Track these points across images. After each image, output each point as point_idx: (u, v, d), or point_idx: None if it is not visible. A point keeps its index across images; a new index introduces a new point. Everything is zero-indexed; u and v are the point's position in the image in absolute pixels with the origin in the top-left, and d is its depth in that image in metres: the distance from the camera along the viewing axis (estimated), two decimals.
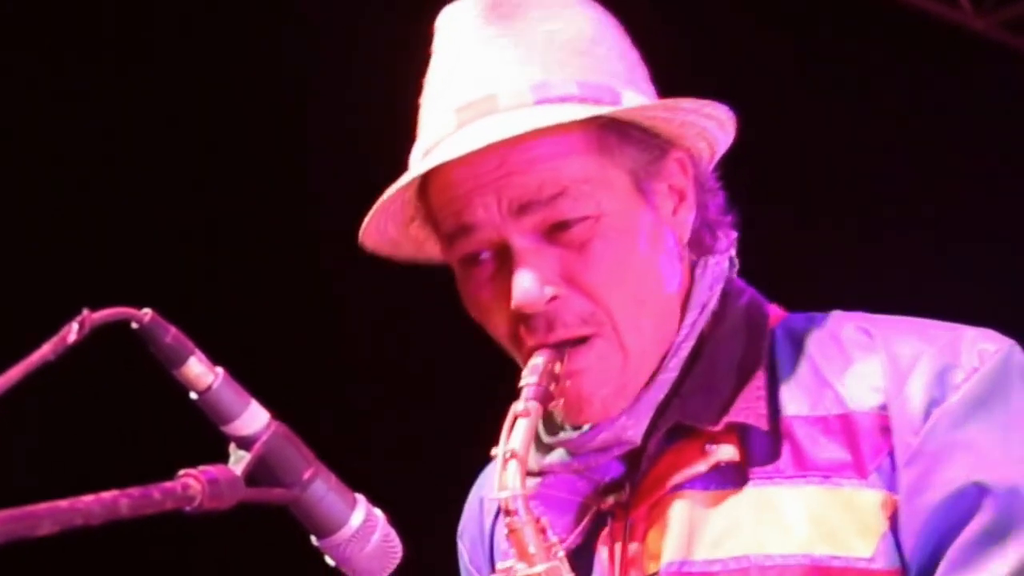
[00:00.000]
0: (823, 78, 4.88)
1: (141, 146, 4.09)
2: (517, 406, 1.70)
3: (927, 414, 1.71)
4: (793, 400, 1.78)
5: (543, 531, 1.69)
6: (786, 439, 1.75)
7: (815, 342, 1.81)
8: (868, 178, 4.97)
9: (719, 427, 1.76)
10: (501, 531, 1.81)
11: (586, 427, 1.80)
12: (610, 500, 1.80)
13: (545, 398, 1.70)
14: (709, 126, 1.80)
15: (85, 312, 1.47)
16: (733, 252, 1.86)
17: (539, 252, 1.72)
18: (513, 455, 1.68)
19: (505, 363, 1.80)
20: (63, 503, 1.35)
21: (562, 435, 1.81)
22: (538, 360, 1.71)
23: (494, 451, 1.70)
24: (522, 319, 1.73)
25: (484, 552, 1.97)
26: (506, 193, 1.71)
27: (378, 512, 1.60)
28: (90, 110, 3.99)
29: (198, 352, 1.53)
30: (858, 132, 4.93)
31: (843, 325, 1.82)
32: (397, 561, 1.61)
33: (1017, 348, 1.75)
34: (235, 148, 4.13)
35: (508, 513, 1.68)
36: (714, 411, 1.77)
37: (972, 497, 1.69)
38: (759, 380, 1.78)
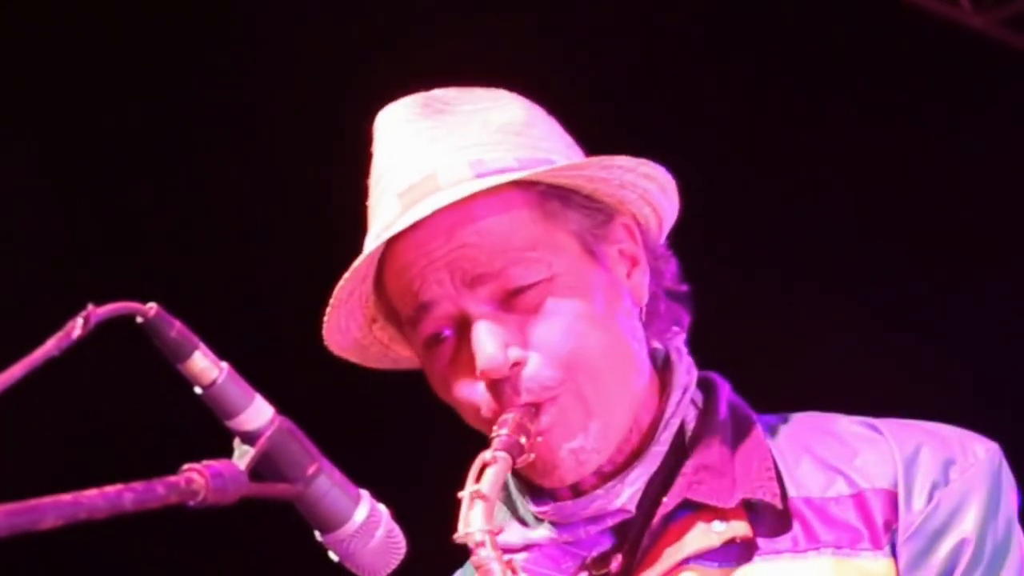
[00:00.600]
0: (818, 75, 4.90)
1: (148, 139, 4.10)
2: (485, 455, 1.70)
3: (930, 497, 1.78)
4: (799, 484, 1.82)
5: (513, 570, 1.68)
6: (795, 517, 1.79)
7: (808, 437, 1.88)
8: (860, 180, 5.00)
9: (732, 504, 1.77)
10: None
11: (580, 498, 1.81)
12: (600, 573, 1.81)
13: (516, 450, 1.71)
14: (651, 188, 1.83)
15: (89, 307, 1.47)
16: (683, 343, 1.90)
17: (497, 318, 1.75)
18: (480, 495, 1.67)
19: None
20: (66, 497, 1.35)
21: (552, 505, 1.82)
22: (508, 416, 1.73)
23: (460, 493, 1.69)
24: (489, 387, 1.75)
25: None
26: (458, 266, 1.75)
27: (382, 508, 1.61)
28: (92, 103, 4.00)
29: (203, 346, 1.54)
30: (851, 131, 4.95)
31: (834, 422, 1.89)
32: (401, 557, 1.61)
33: (1000, 452, 1.85)
34: (241, 142, 4.15)
35: (475, 549, 1.67)
36: (726, 489, 1.79)
37: (959, 551, 1.79)
38: (768, 461, 1.82)
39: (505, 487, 1.82)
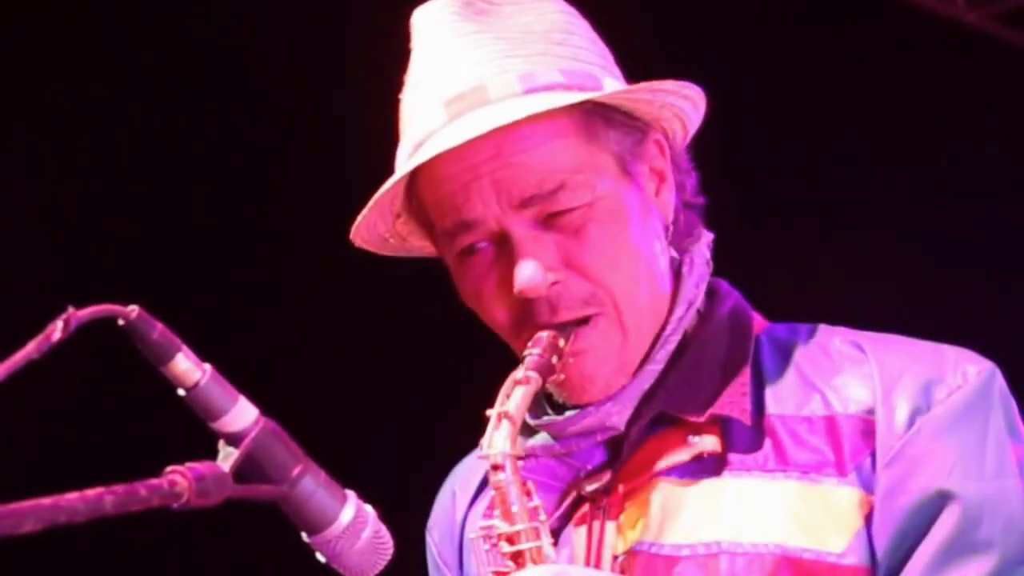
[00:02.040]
0: (810, 73, 4.90)
1: (133, 141, 4.10)
2: (517, 373, 1.73)
3: (911, 422, 1.77)
4: (777, 400, 1.82)
5: (528, 493, 1.71)
6: (768, 435, 1.80)
7: (801, 350, 1.87)
8: (854, 174, 5.00)
9: (703, 419, 1.79)
10: (472, 529, 1.86)
11: (569, 413, 1.82)
12: (591, 486, 1.82)
13: (546, 370, 1.74)
14: (685, 107, 1.85)
15: (70, 309, 1.46)
16: (709, 254, 1.91)
17: (538, 239, 1.75)
18: (507, 416, 1.70)
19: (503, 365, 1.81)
20: (46, 500, 1.34)
21: (546, 418, 1.84)
22: (542, 335, 1.75)
23: (489, 411, 1.72)
24: (524, 305, 1.76)
25: (453, 546, 1.99)
26: (504, 186, 1.75)
27: (369, 508, 1.60)
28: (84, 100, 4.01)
29: (185, 348, 1.53)
30: (845, 128, 4.94)
31: (831, 337, 1.88)
32: (388, 557, 1.61)
33: (998, 371, 1.82)
34: (229, 144, 4.14)
35: (496, 469, 1.70)
36: (699, 404, 1.81)
37: (940, 505, 1.74)
38: (744, 377, 1.82)
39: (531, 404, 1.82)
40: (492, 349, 1.86)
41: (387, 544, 1.60)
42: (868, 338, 1.86)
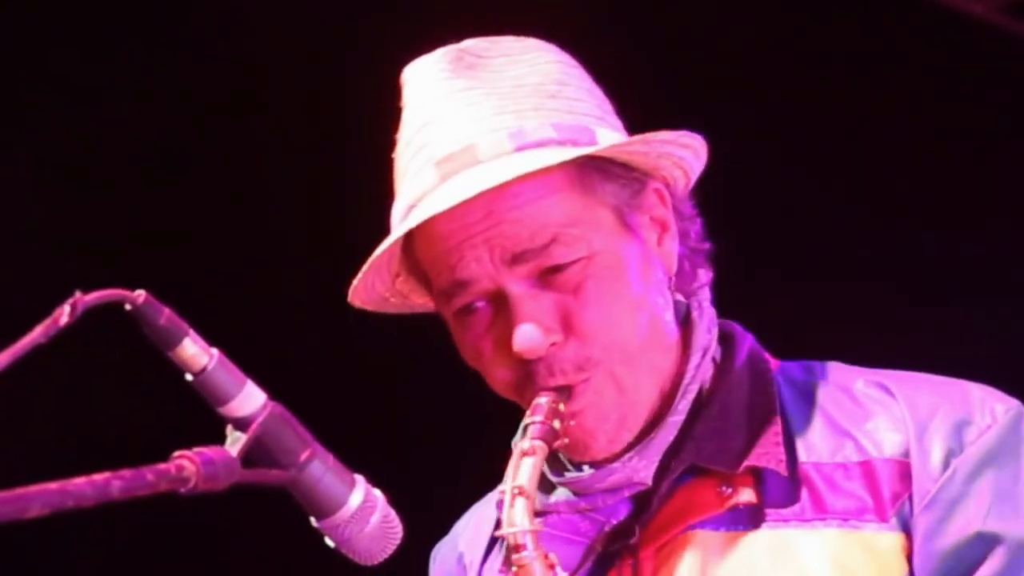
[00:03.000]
0: (816, 66, 4.90)
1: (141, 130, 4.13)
2: (523, 444, 1.72)
3: (946, 464, 1.77)
4: (809, 448, 1.82)
5: (552, 567, 1.70)
6: (804, 484, 1.79)
7: (824, 393, 1.87)
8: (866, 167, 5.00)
9: (738, 471, 1.78)
10: None
11: (588, 470, 1.82)
12: (618, 541, 1.81)
13: (551, 436, 1.73)
14: (685, 155, 1.83)
15: (77, 294, 1.47)
16: (710, 294, 1.91)
17: (536, 298, 1.75)
18: (521, 492, 1.69)
19: None
20: (53, 485, 1.34)
21: (569, 475, 1.84)
22: (541, 400, 1.74)
23: (500, 488, 1.72)
24: (524, 365, 1.76)
25: None
26: (497, 243, 1.74)
27: (378, 493, 1.60)
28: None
29: (192, 333, 1.53)
30: (853, 119, 4.95)
31: (853, 379, 1.88)
32: (397, 542, 1.61)
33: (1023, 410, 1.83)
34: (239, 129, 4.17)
35: (516, 549, 1.68)
36: (731, 455, 1.80)
37: (982, 546, 1.75)
38: (776, 426, 1.82)
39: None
40: None
41: (396, 529, 1.60)
42: (892, 378, 1.87)
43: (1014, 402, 1.83)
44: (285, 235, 4.14)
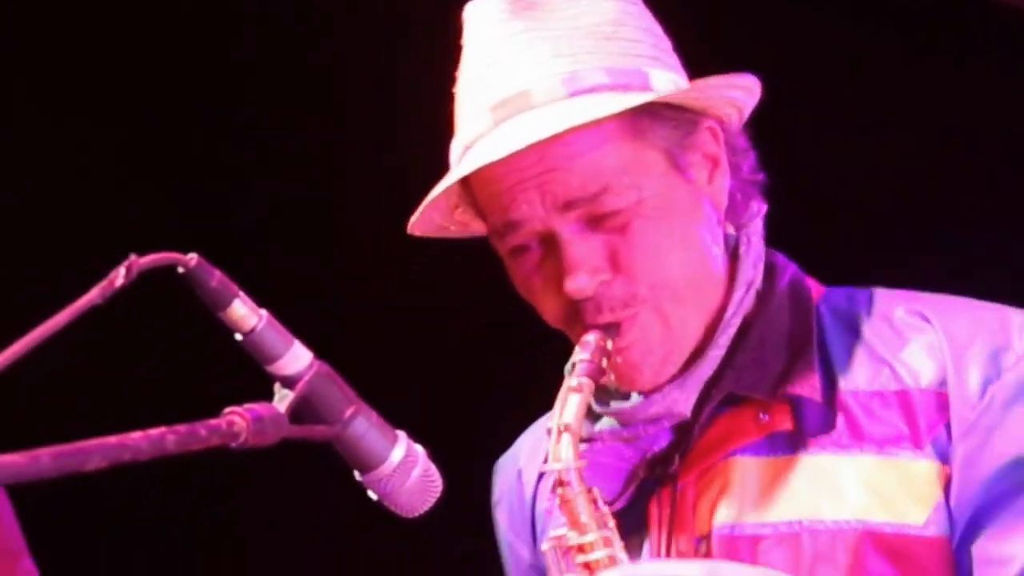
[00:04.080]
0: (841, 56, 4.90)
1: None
2: (571, 382, 1.78)
3: (983, 391, 1.81)
4: (847, 376, 1.86)
5: (595, 502, 1.76)
6: (841, 411, 1.84)
7: (865, 322, 1.91)
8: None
9: (775, 398, 1.84)
10: (544, 501, 1.96)
11: (636, 398, 1.88)
12: (659, 470, 1.88)
13: (597, 374, 1.79)
14: (737, 95, 1.87)
15: (132, 257, 1.53)
16: (762, 226, 1.94)
17: (585, 241, 1.80)
18: (567, 428, 1.76)
19: None
20: (112, 439, 1.40)
21: (614, 405, 1.90)
22: (589, 338, 1.80)
23: (548, 423, 1.78)
24: (573, 303, 1.81)
25: (525, 522, 2.06)
26: (549, 189, 1.79)
27: (419, 448, 1.66)
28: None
29: (242, 295, 1.60)
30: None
31: (894, 306, 1.91)
32: (437, 495, 1.67)
33: None
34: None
35: (561, 484, 1.75)
36: (768, 383, 1.85)
37: (1015, 472, 1.78)
38: (811, 355, 1.86)
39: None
40: None
41: (436, 482, 1.66)
42: (931, 305, 1.90)
43: None
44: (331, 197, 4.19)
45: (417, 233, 1.95)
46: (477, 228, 1.95)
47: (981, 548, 1.78)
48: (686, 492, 1.86)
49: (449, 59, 1.92)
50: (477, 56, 1.87)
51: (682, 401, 1.86)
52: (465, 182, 1.87)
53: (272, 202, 4.25)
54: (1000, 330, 1.84)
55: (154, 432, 1.45)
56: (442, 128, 1.92)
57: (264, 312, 1.60)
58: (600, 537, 1.75)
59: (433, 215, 1.92)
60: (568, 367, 1.82)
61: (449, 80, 1.91)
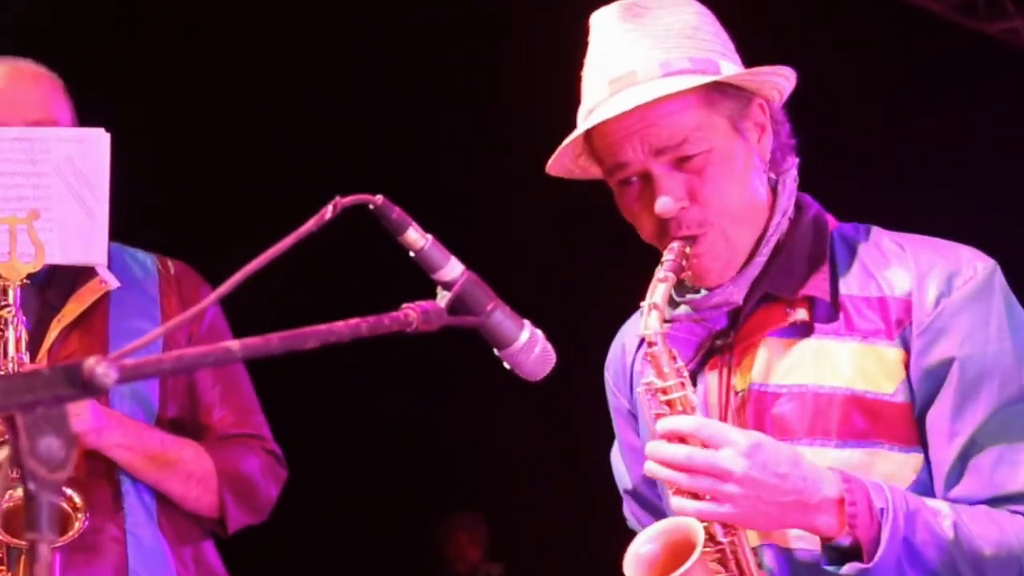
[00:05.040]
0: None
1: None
2: (659, 274, 2.36)
3: (937, 303, 2.35)
4: (847, 285, 2.41)
5: (674, 358, 2.33)
6: (841, 310, 2.39)
7: (863, 247, 2.46)
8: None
9: (796, 297, 2.39)
10: (638, 364, 2.53)
11: (704, 292, 2.44)
12: (719, 342, 2.45)
13: (678, 270, 2.36)
14: (779, 81, 2.43)
15: (337, 198, 2.00)
16: (796, 174, 2.49)
17: (671, 177, 2.38)
18: (655, 306, 2.33)
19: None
20: (322, 326, 1.82)
21: (688, 296, 2.46)
22: (674, 245, 2.38)
23: (641, 303, 2.34)
24: (662, 222, 2.39)
25: (626, 382, 2.66)
26: (646, 140, 2.37)
27: (539, 332, 2.12)
28: None
29: (414, 224, 2.07)
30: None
31: (883, 238, 2.46)
32: (552, 365, 2.13)
33: (999, 267, 2.39)
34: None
35: (650, 345, 2.32)
36: (793, 286, 2.40)
37: (953, 366, 2.32)
38: (824, 268, 2.41)
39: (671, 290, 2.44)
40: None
41: (552, 356, 2.12)
42: (908, 239, 2.45)
43: (991, 260, 2.38)
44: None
45: (552, 173, 2.52)
46: (594, 172, 2.52)
47: (931, 419, 2.32)
48: (735, 360, 2.42)
49: (579, 53, 2.50)
50: (599, 47, 2.45)
51: (735, 294, 2.42)
52: (587, 136, 2.43)
53: (440, 159, 4.71)
54: (954, 260, 2.38)
55: (352, 321, 1.85)
56: (568, 101, 2.50)
57: (429, 236, 2.06)
58: (677, 382, 2.32)
59: (564, 160, 2.49)
60: (659, 266, 2.36)
61: (579, 66, 2.49)
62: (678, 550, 2.25)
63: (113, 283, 3.23)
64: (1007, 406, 2.32)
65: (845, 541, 2.24)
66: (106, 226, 3.17)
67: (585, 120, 2.44)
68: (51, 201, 3.13)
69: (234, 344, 1.76)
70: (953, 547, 2.25)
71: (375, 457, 7.61)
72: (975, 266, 2.41)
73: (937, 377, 2.35)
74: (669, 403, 2.32)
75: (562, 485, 7.56)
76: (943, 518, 2.27)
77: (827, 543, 2.26)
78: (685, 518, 2.28)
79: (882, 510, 2.23)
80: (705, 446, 2.23)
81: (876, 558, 2.21)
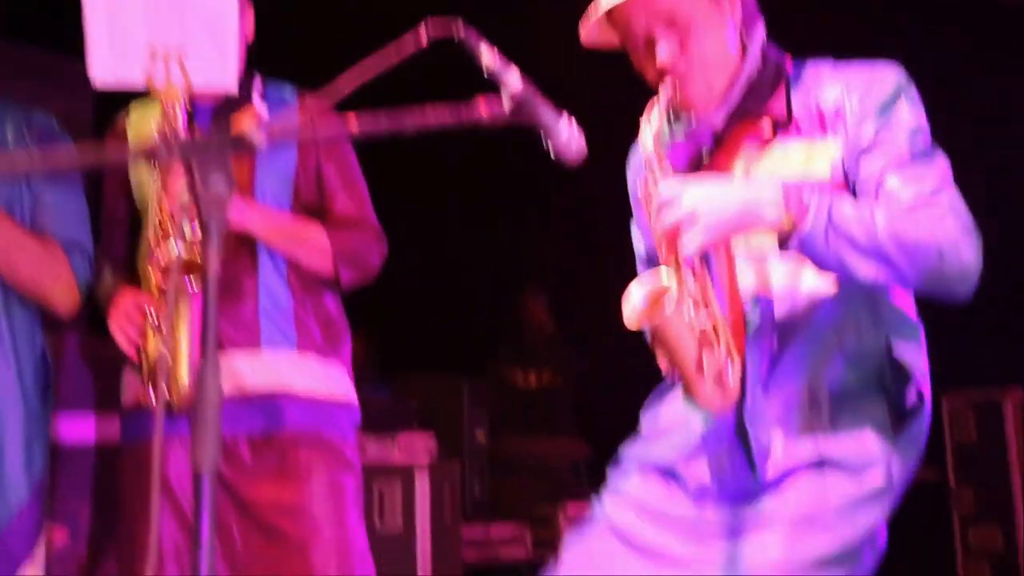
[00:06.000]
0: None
1: None
2: (659, 97, 3.19)
3: (862, 108, 3.16)
4: (799, 103, 3.22)
5: (661, 160, 3.15)
6: (793, 121, 3.20)
7: (808, 73, 3.26)
8: None
9: (763, 115, 3.20)
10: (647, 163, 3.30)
11: (693, 117, 3.27)
12: (706, 148, 3.28)
13: (674, 98, 3.21)
14: None
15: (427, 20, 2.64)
16: (763, 29, 3.30)
17: (668, 37, 3.21)
18: (648, 122, 3.17)
19: None
20: (412, 113, 2.40)
21: (683, 118, 3.31)
22: (667, 80, 3.21)
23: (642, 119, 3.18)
24: (661, 71, 3.23)
25: (640, 170, 3.45)
26: (650, 9, 3.20)
27: (573, 121, 2.76)
28: None
29: (484, 45, 2.69)
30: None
31: (824, 66, 3.26)
32: (584, 148, 2.74)
33: (903, 71, 3.19)
34: None
35: (648, 161, 3.16)
36: (761, 106, 3.22)
37: (875, 135, 3.13)
38: (782, 93, 3.24)
39: (666, 113, 3.28)
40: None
41: (581, 141, 2.75)
42: (842, 64, 3.22)
43: (902, 70, 3.15)
44: None
45: (583, 40, 3.36)
46: (612, 42, 3.36)
47: (861, 169, 3.11)
48: (719, 160, 3.25)
49: None
50: None
51: (718, 118, 3.23)
52: (608, 14, 3.27)
53: None
54: (875, 73, 3.16)
55: (440, 109, 2.41)
56: None
57: (496, 52, 2.71)
58: (664, 173, 3.15)
59: (592, 33, 3.32)
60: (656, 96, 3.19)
61: None
62: (657, 296, 3.16)
63: (264, 113, 4.01)
64: (904, 165, 3.12)
65: (787, 227, 3.02)
66: (236, 56, 3.70)
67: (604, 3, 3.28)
68: (190, 32, 3.59)
69: (351, 120, 2.51)
70: (873, 224, 3.02)
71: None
72: (894, 76, 3.20)
73: (866, 136, 3.16)
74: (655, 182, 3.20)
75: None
76: (866, 206, 3.05)
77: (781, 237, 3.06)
78: (665, 274, 3.14)
79: (811, 197, 3.03)
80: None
81: (806, 225, 2.98)
